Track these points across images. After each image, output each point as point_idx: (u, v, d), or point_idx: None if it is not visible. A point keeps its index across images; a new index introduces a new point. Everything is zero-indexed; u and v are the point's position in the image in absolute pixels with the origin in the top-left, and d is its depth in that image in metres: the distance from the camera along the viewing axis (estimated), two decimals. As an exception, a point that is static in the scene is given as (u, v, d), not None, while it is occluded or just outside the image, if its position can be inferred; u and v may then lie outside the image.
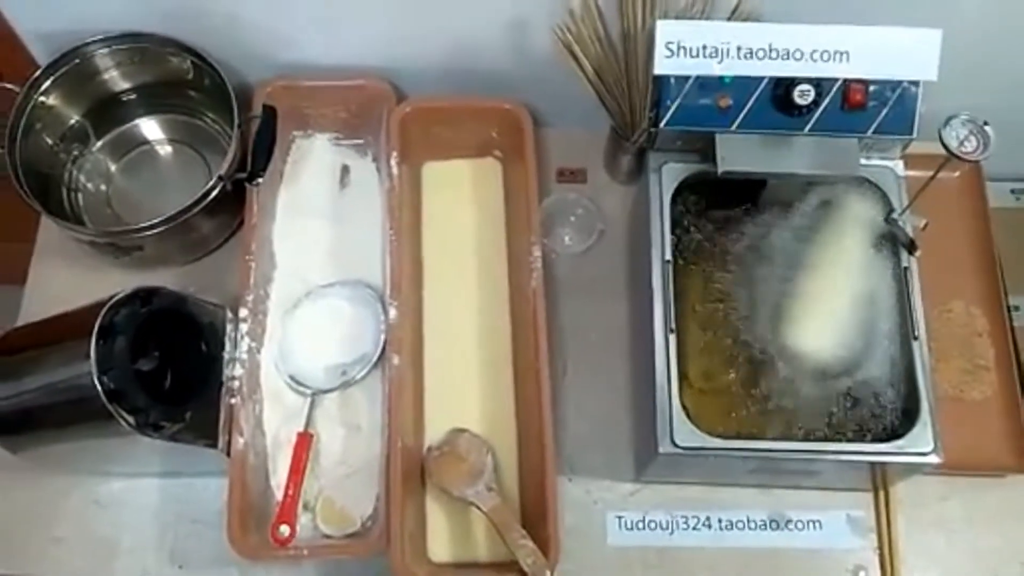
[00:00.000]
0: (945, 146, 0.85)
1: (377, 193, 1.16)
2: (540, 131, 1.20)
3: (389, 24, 1.11)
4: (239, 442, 0.99)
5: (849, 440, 0.95)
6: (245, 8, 1.09)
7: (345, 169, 1.19)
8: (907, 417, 0.94)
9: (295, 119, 1.18)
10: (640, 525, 1.05)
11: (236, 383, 1.01)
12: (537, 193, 1.10)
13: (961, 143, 0.85)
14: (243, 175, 1.07)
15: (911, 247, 0.96)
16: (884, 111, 0.96)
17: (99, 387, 0.87)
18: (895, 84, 0.95)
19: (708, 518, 1.05)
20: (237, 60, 1.14)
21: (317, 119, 1.19)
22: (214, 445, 0.97)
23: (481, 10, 1.07)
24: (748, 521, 1.05)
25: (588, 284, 1.16)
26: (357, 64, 1.16)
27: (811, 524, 1.05)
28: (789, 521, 1.05)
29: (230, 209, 1.11)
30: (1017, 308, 1.22)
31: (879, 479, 1.02)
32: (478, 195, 1.19)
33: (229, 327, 1.03)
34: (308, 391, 1.05)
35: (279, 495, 1.01)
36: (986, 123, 0.86)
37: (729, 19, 1.02)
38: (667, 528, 1.05)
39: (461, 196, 1.19)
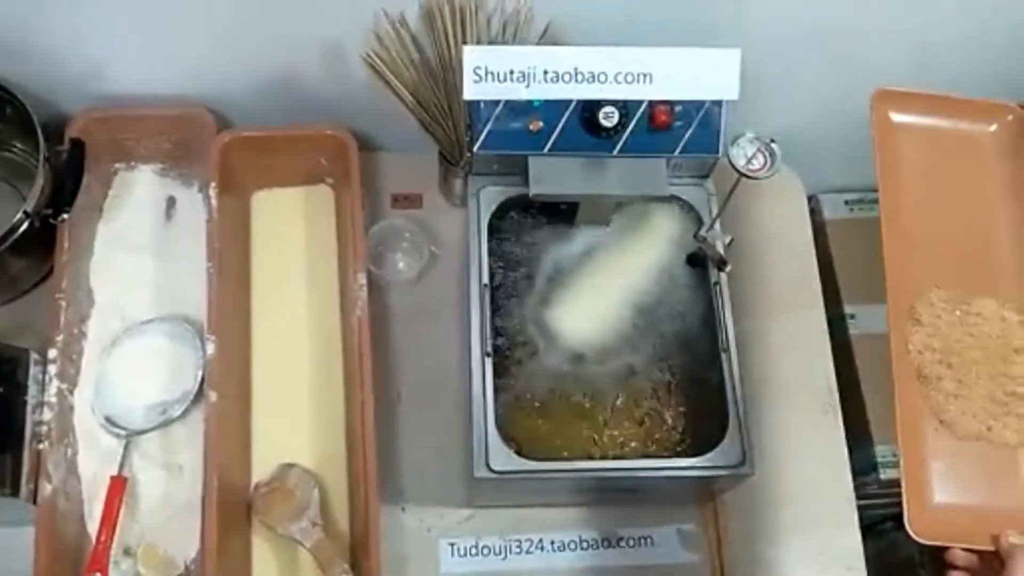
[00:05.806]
0: (732, 164, 0.86)
1: (204, 224, 1.13)
2: (374, 156, 1.20)
3: (206, 51, 1.08)
4: (47, 489, 0.95)
5: (666, 456, 0.96)
6: (56, 36, 1.05)
7: (171, 201, 1.16)
8: (719, 430, 0.94)
9: (116, 150, 1.15)
10: (473, 551, 1.04)
11: (44, 428, 0.97)
12: (363, 220, 1.09)
13: (748, 161, 0.86)
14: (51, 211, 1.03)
15: (720, 263, 0.98)
16: (690, 131, 0.97)
17: None
18: (699, 104, 0.97)
19: (541, 540, 1.05)
20: (52, 90, 1.10)
21: (139, 150, 1.16)
22: (16, 494, 0.93)
23: (294, 35, 1.05)
24: (580, 541, 1.05)
25: (422, 310, 1.15)
26: (180, 93, 1.13)
27: (643, 540, 1.06)
28: (621, 539, 1.05)
29: (43, 248, 1.07)
30: (853, 316, 1.26)
31: (704, 492, 1.03)
32: (310, 223, 1.17)
33: (35, 370, 0.99)
34: (123, 432, 1.02)
35: (95, 542, 0.97)
36: (773, 140, 0.87)
37: (538, 43, 1.02)
38: (500, 553, 1.04)
39: (293, 225, 1.17)
